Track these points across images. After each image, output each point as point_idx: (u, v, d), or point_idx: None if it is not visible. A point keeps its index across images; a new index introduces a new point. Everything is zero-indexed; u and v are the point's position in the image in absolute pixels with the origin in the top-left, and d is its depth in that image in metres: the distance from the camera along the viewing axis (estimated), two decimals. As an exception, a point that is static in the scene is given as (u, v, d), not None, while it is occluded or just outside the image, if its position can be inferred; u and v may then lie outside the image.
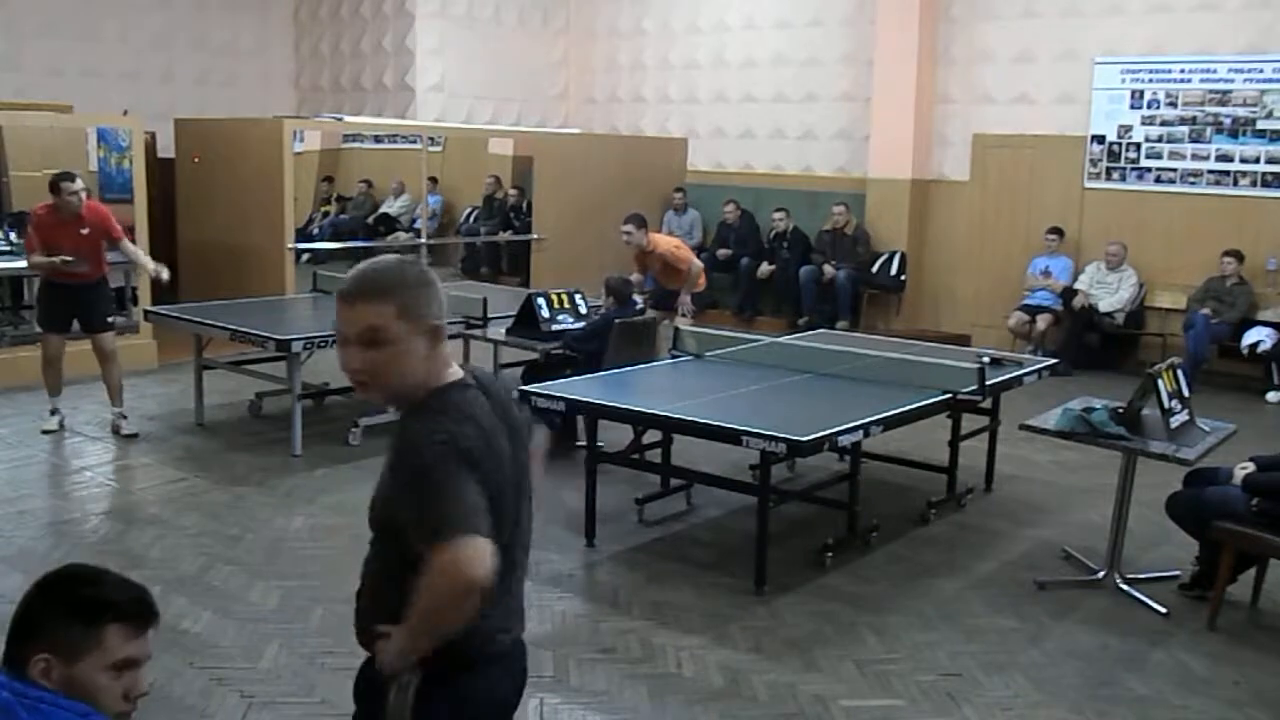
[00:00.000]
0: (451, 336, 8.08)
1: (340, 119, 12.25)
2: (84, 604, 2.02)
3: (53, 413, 7.53)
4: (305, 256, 11.57)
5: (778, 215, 12.47)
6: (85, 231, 7.11)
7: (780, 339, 7.60)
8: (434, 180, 13.86)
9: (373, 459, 6.99)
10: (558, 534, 5.77)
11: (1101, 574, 5.28)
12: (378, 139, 14.50)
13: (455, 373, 2.19)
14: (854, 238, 12.02)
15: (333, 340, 7.62)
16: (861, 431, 5.08)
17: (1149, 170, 10.79)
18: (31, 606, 2.03)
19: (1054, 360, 7.54)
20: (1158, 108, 10.68)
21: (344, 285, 2.13)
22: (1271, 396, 9.46)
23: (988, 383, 5.88)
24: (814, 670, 4.36)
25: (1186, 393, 5.36)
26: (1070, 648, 4.64)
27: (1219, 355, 9.92)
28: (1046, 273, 10.87)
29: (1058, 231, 10.89)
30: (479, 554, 1.95)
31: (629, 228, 8.93)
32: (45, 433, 7.41)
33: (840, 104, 12.69)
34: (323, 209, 15.13)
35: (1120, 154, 10.93)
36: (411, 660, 2.18)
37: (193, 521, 5.85)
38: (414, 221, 13.27)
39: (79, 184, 7.14)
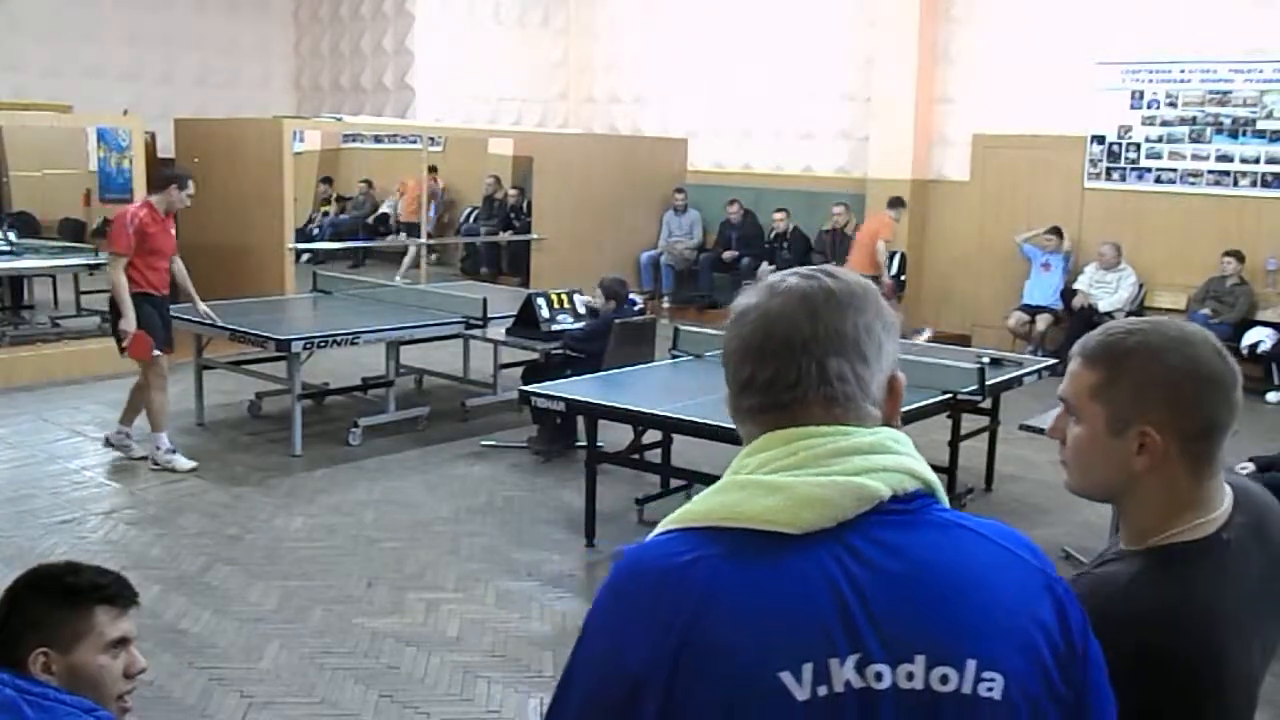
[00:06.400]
0: (451, 336, 8.21)
1: (340, 119, 12.25)
2: (70, 592, 2.07)
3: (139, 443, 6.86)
4: (305, 256, 11.58)
5: (778, 215, 12.47)
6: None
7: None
8: (434, 179, 13.87)
9: (373, 459, 7.01)
10: (558, 534, 5.78)
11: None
12: (378, 139, 14.53)
13: (1212, 519, 1.51)
14: (854, 238, 12.00)
15: (332, 340, 7.64)
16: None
17: (1149, 170, 10.78)
18: (16, 607, 2.06)
19: (1054, 360, 7.54)
20: (1158, 108, 10.68)
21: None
22: (1271, 396, 9.46)
23: (988, 383, 5.88)
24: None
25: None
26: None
27: (1219, 355, 9.91)
28: (1046, 265, 10.88)
29: (1056, 232, 10.88)
30: None
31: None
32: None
33: (840, 104, 12.67)
34: (322, 209, 15.15)
35: (1120, 154, 10.92)
36: None
37: (193, 521, 5.85)
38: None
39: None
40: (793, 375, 1.23)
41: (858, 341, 1.25)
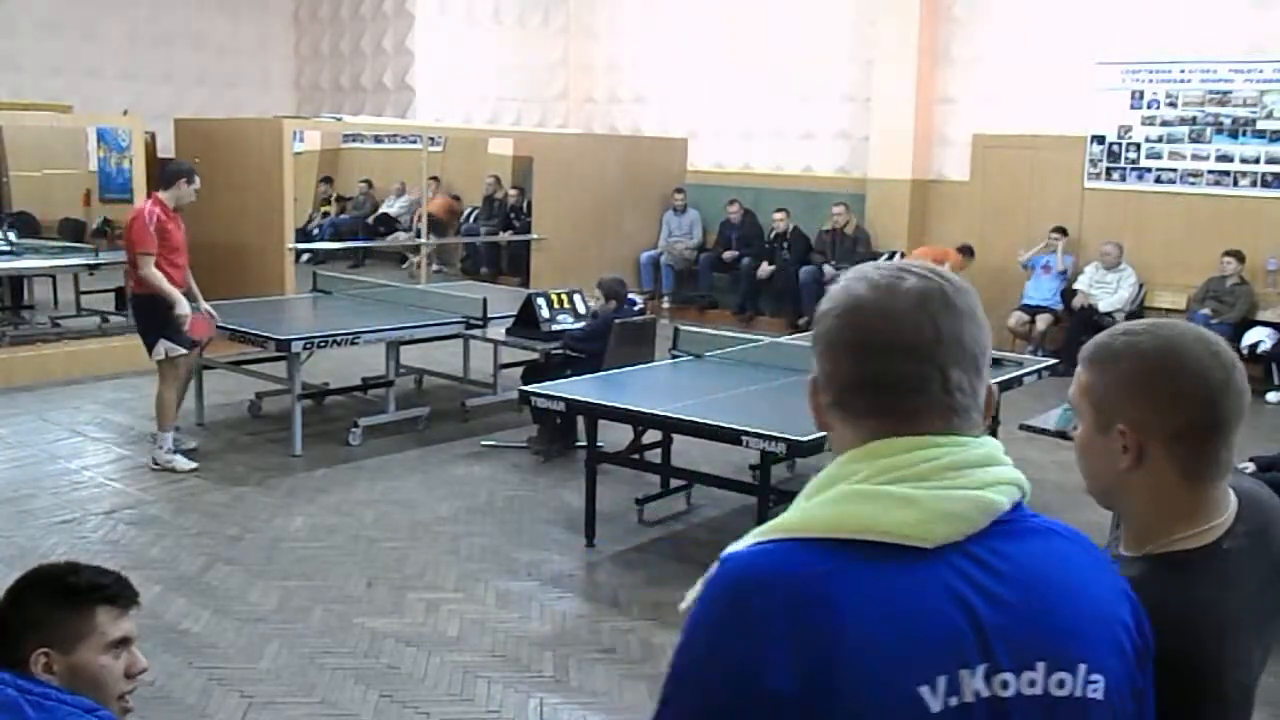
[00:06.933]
0: (451, 336, 8.20)
1: (340, 119, 12.24)
2: (72, 592, 2.07)
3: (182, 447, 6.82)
4: (305, 256, 11.58)
5: (778, 215, 12.46)
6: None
7: (780, 339, 7.60)
8: (435, 180, 13.88)
9: (373, 459, 7.00)
10: (558, 534, 5.78)
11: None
12: (378, 139, 14.53)
13: (1211, 528, 1.50)
14: (854, 238, 12.01)
15: (332, 340, 7.65)
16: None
17: (1149, 170, 10.79)
18: (17, 607, 2.06)
19: (1054, 360, 7.55)
20: (1158, 108, 10.68)
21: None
22: (1271, 396, 9.46)
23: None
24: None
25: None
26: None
27: (1219, 355, 9.89)
28: (1046, 267, 10.89)
29: (1061, 231, 10.88)
30: None
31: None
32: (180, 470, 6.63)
33: (840, 104, 12.68)
34: (322, 209, 15.15)
35: (1120, 154, 10.92)
36: None
37: (193, 521, 5.85)
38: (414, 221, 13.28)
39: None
40: (916, 381, 1.22)
41: (974, 354, 1.26)
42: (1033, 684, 1.18)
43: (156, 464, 6.64)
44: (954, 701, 1.14)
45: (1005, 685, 1.17)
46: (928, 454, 1.20)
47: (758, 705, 1.11)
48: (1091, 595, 1.26)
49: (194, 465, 6.67)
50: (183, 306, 6.50)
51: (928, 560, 1.17)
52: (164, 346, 6.54)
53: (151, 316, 6.56)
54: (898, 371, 1.22)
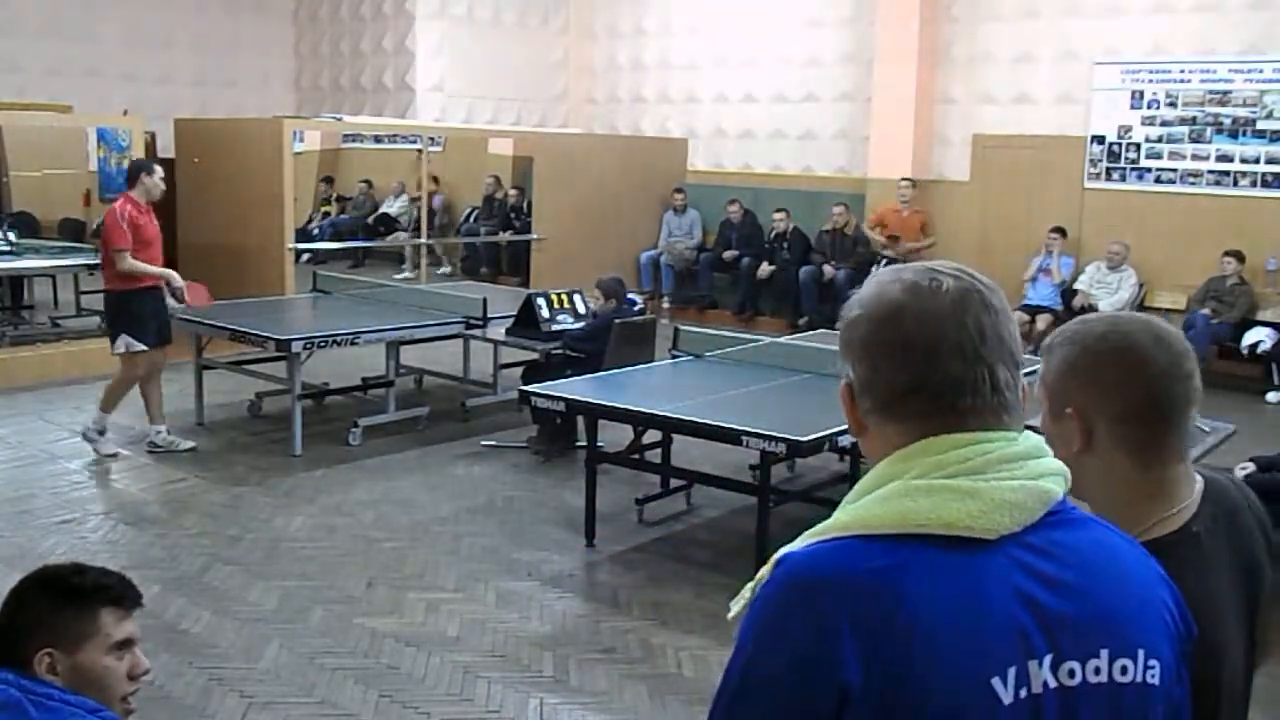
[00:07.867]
0: (451, 336, 8.21)
1: (340, 119, 12.24)
2: (77, 593, 2.07)
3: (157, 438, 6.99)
4: (305, 256, 11.57)
5: (778, 215, 12.45)
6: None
7: (780, 339, 7.60)
8: (435, 180, 13.87)
9: (373, 459, 7.01)
10: (558, 534, 5.78)
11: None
12: (378, 139, 14.52)
13: (1178, 511, 1.54)
14: (854, 238, 12.01)
15: (332, 340, 7.66)
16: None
17: (1149, 170, 10.78)
18: (21, 607, 2.06)
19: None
20: (1158, 108, 10.68)
21: None
22: (1271, 396, 9.46)
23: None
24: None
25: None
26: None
27: (1219, 355, 9.89)
28: (1046, 271, 10.88)
29: (1060, 231, 10.87)
30: None
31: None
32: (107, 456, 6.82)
33: (840, 104, 12.68)
34: (322, 209, 15.15)
35: (1120, 154, 10.92)
36: None
37: (193, 521, 5.85)
38: (414, 221, 13.28)
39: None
40: (967, 382, 1.22)
41: (1012, 350, 1.27)
42: (1098, 671, 1.20)
43: (98, 451, 6.80)
44: (1024, 693, 1.15)
45: (1072, 674, 1.18)
46: (981, 448, 1.21)
47: (829, 698, 1.11)
48: (1140, 582, 1.28)
49: (114, 451, 6.81)
50: (175, 278, 6.80)
51: (989, 551, 1.17)
52: (125, 341, 6.74)
53: (118, 312, 6.83)
54: (948, 373, 1.22)
